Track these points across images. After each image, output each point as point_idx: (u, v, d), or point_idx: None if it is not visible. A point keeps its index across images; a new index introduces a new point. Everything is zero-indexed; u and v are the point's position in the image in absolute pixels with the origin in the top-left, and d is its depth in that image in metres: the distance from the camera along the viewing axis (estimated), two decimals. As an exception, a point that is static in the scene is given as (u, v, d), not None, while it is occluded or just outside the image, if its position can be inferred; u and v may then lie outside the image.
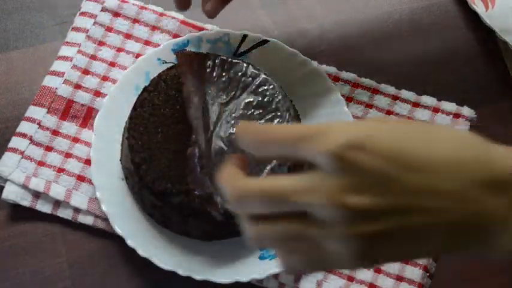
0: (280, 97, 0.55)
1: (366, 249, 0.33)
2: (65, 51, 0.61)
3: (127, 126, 0.54)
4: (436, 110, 0.60)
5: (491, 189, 0.33)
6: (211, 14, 0.54)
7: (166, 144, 0.52)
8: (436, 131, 0.35)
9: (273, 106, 0.54)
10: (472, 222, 0.33)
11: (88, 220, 0.55)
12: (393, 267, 0.54)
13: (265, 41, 0.60)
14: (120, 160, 0.56)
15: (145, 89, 0.55)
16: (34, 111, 0.58)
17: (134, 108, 0.54)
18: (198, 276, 0.51)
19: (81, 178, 0.56)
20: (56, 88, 0.59)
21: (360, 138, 0.32)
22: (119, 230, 0.52)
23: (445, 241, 0.34)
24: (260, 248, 0.37)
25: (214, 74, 0.55)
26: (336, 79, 0.61)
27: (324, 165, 0.33)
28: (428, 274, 0.54)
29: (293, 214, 0.34)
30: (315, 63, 0.59)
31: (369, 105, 0.60)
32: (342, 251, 0.34)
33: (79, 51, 0.61)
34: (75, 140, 0.58)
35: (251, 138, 0.36)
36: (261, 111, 0.54)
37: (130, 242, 0.52)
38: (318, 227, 0.33)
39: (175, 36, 0.62)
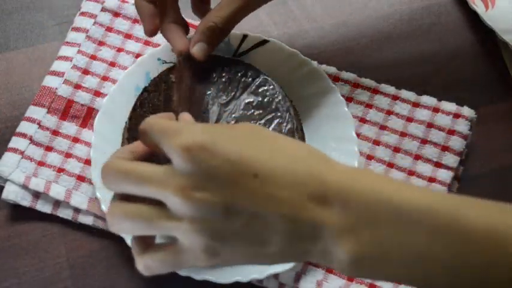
0: (280, 97, 0.55)
1: (210, 244, 0.36)
2: (65, 51, 0.61)
3: (127, 127, 0.54)
4: (436, 110, 0.60)
5: (321, 201, 0.36)
6: (201, 57, 0.52)
7: None
8: (279, 141, 0.38)
9: (273, 106, 0.54)
10: (306, 229, 0.36)
11: (88, 220, 0.55)
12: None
13: (265, 41, 0.60)
14: None
15: (145, 90, 0.55)
16: (34, 111, 0.58)
17: (134, 108, 0.54)
18: (198, 276, 0.51)
19: (81, 178, 0.56)
20: (56, 88, 0.59)
21: (204, 140, 0.35)
22: (119, 230, 0.52)
23: (285, 245, 0.36)
24: (115, 230, 0.39)
25: (214, 75, 0.55)
26: (336, 79, 0.61)
27: (174, 161, 0.36)
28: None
29: (152, 202, 0.37)
30: (315, 63, 0.59)
31: (369, 105, 0.60)
32: (191, 246, 0.37)
33: (79, 51, 0.61)
34: (75, 140, 0.58)
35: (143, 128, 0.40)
36: (261, 111, 0.54)
37: (130, 242, 0.52)
38: (169, 218, 0.36)
39: (175, 36, 0.62)
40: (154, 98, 0.54)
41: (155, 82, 0.55)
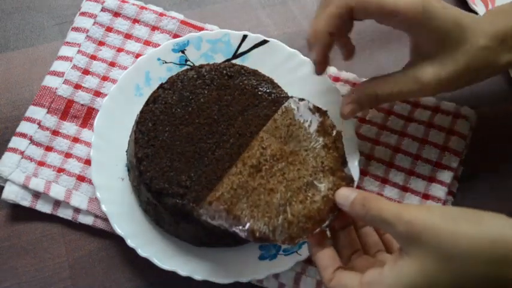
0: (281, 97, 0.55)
1: None
2: (65, 51, 0.61)
3: (137, 120, 0.54)
4: (436, 110, 0.60)
5: None
6: (349, 117, 0.54)
7: (171, 145, 0.52)
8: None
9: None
10: None
11: (88, 220, 0.55)
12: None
13: (265, 41, 0.60)
14: (126, 151, 0.56)
15: (161, 86, 0.55)
16: (34, 111, 0.58)
17: (147, 103, 0.54)
18: (198, 276, 0.51)
19: (81, 178, 0.56)
20: (56, 88, 0.59)
21: None
22: (118, 230, 0.52)
23: None
24: None
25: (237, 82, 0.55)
26: (336, 79, 0.61)
27: None
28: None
29: None
30: (315, 63, 0.59)
31: (369, 105, 0.60)
32: None
33: (79, 51, 0.61)
34: (75, 140, 0.58)
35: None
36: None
37: (130, 242, 0.52)
38: None
39: (175, 36, 0.62)
40: (168, 96, 0.54)
41: (172, 80, 0.55)
